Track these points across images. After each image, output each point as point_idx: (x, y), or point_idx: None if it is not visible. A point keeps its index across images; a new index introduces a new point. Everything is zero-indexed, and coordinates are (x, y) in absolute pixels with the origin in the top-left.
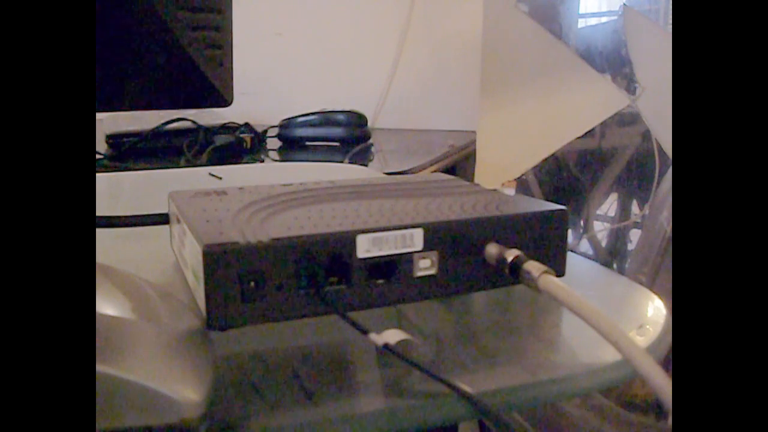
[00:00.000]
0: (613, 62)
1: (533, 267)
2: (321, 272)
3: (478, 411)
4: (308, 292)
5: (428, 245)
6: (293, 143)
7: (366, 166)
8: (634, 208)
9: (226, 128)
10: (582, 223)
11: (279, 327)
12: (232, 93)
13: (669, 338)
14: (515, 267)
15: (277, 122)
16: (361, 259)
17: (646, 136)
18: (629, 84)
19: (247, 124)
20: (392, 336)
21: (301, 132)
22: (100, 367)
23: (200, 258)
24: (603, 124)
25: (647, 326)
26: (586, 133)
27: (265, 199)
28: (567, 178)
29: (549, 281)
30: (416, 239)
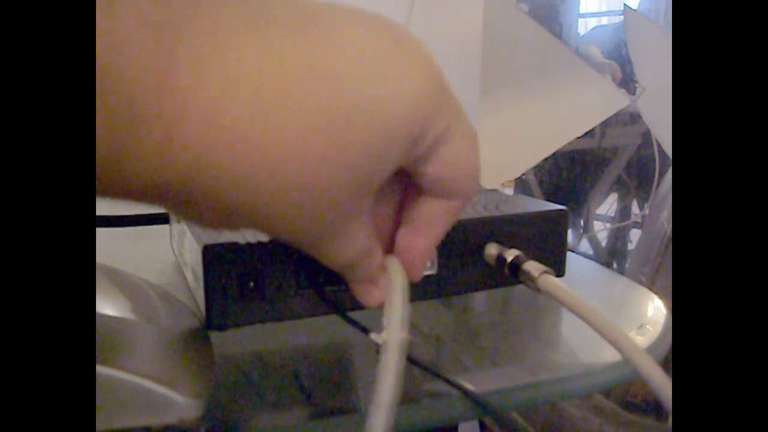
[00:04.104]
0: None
1: (533, 267)
2: (321, 272)
3: (482, 410)
4: (308, 292)
5: None
6: None
7: None
8: (634, 208)
9: None
10: (582, 223)
11: (279, 327)
12: None
13: (669, 338)
14: (515, 267)
15: None
16: None
17: (646, 136)
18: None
19: None
20: None
21: None
22: (100, 367)
23: (200, 258)
24: (603, 124)
25: (647, 326)
26: (586, 133)
27: None
28: (567, 178)
29: (548, 281)
30: None
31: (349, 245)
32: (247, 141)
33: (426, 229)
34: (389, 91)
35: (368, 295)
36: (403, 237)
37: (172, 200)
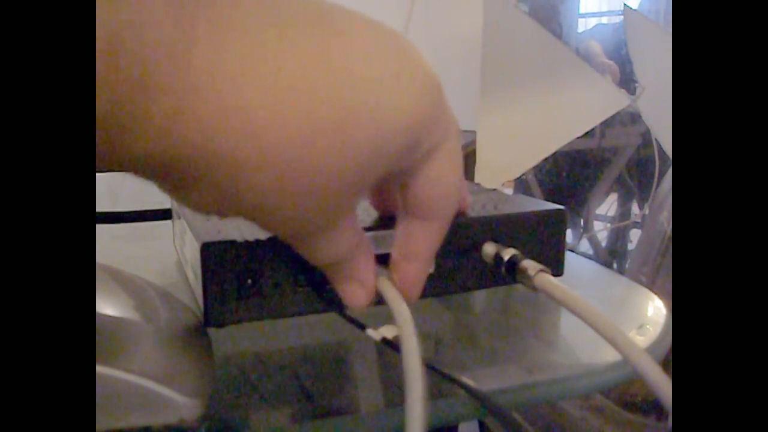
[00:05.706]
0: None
1: (529, 266)
2: (319, 270)
3: (486, 408)
4: (306, 290)
5: None
6: None
7: None
8: (634, 208)
9: None
10: (582, 223)
11: (278, 326)
12: None
13: (669, 338)
14: (512, 266)
15: None
16: None
17: (646, 136)
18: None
19: None
20: (389, 331)
21: None
22: (100, 367)
23: (198, 255)
24: (603, 124)
25: (647, 326)
26: (586, 133)
27: None
28: (567, 178)
29: (545, 280)
30: None
31: (339, 240)
32: (256, 125)
33: (412, 253)
34: (395, 96)
35: (354, 297)
36: (396, 264)
37: (167, 178)
